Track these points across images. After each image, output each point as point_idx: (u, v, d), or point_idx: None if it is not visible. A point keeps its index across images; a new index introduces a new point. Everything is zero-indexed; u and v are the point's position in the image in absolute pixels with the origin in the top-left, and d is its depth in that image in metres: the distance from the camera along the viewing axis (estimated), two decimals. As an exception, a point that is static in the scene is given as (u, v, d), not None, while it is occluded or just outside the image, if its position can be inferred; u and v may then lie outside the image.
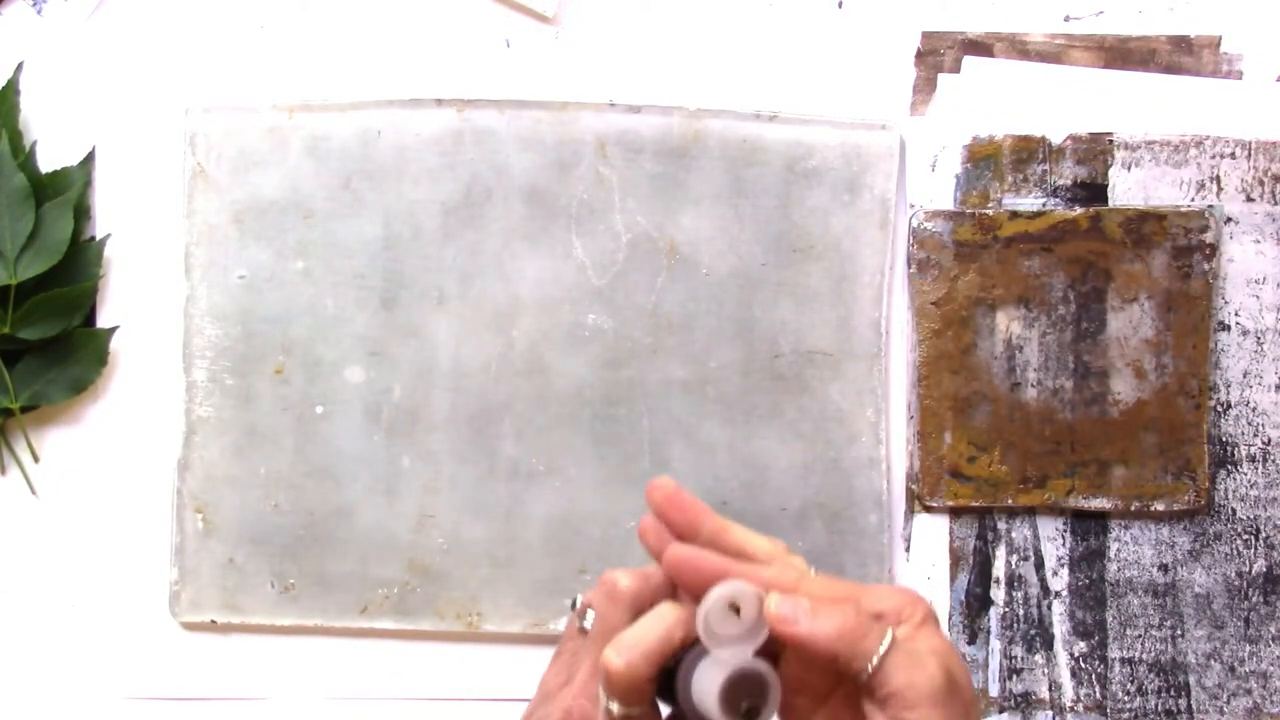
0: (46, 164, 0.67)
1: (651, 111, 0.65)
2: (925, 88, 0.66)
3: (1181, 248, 0.64)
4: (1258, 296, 0.65)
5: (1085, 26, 0.66)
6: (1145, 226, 0.64)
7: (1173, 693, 0.65)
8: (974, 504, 0.64)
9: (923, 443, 0.65)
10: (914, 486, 0.65)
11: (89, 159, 0.67)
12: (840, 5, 0.66)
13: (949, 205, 0.65)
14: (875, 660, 0.41)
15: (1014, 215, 0.64)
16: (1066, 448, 0.64)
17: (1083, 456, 0.64)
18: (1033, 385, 0.64)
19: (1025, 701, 0.65)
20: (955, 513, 0.65)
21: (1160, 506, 0.64)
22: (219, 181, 0.65)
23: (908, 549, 0.65)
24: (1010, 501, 0.64)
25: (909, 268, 0.65)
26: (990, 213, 0.64)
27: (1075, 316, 0.64)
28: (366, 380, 0.65)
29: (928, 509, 0.65)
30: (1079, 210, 0.64)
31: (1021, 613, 0.65)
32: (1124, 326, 0.64)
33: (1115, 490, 0.64)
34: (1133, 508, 0.65)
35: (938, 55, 0.66)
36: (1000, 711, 0.65)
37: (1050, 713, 0.65)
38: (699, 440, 0.65)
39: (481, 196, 0.65)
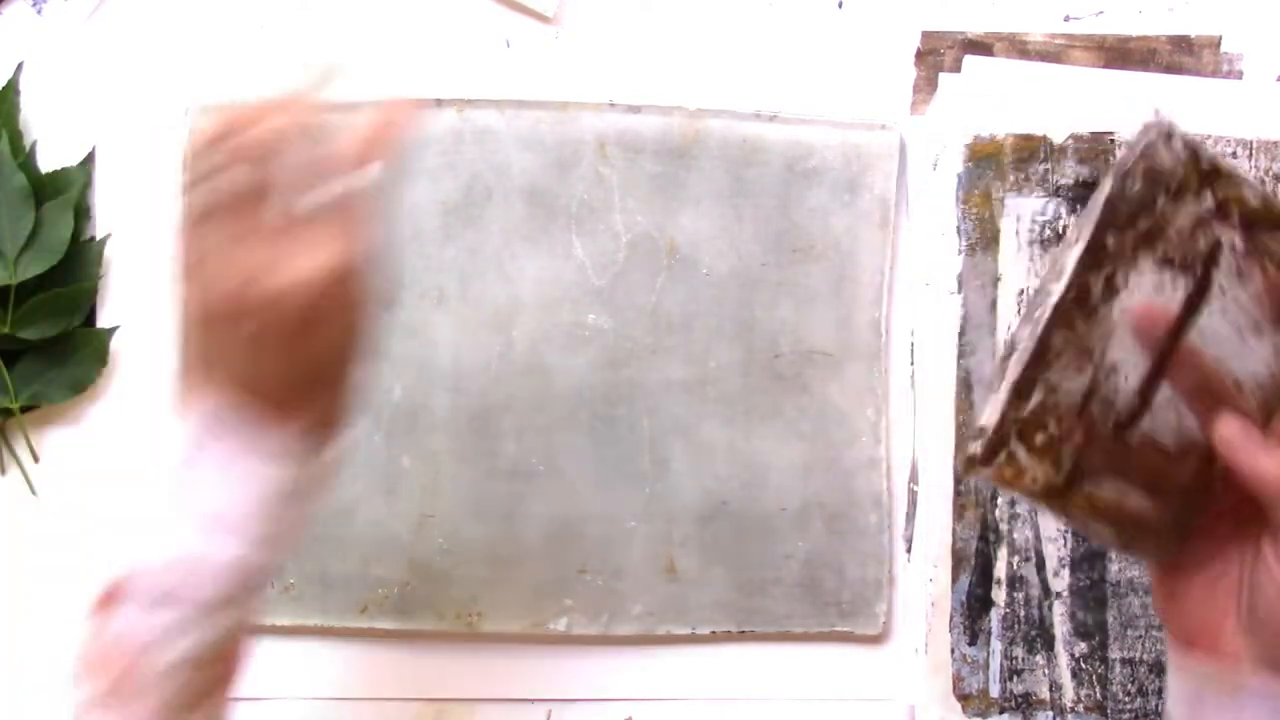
0: (46, 164, 0.66)
1: (651, 111, 0.65)
2: (925, 87, 0.66)
3: (1182, 247, 0.64)
4: (1258, 296, 0.65)
5: (1085, 26, 0.66)
6: (1146, 226, 0.64)
7: (1174, 693, 0.65)
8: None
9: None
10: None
11: (89, 159, 0.67)
12: (840, 5, 0.66)
13: (951, 204, 0.65)
14: None
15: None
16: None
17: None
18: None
19: (1026, 702, 0.65)
20: (960, 509, 0.65)
21: (1161, 507, 0.64)
22: (219, 181, 0.65)
23: (908, 549, 0.65)
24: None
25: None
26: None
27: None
28: (366, 380, 0.65)
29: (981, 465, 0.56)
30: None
31: (1022, 613, 0.65)
32: (1125, 326, 0.64)
33: (1116, 490, 0.64)
34: (1133, 508, 0.64)
35: (938, 55, 0.66)
36: (1001, 712, 0.65)
37: (1051, 713, 0.65)
38: (699, 440, 0.65)
39: (481, 196, 0.65)
